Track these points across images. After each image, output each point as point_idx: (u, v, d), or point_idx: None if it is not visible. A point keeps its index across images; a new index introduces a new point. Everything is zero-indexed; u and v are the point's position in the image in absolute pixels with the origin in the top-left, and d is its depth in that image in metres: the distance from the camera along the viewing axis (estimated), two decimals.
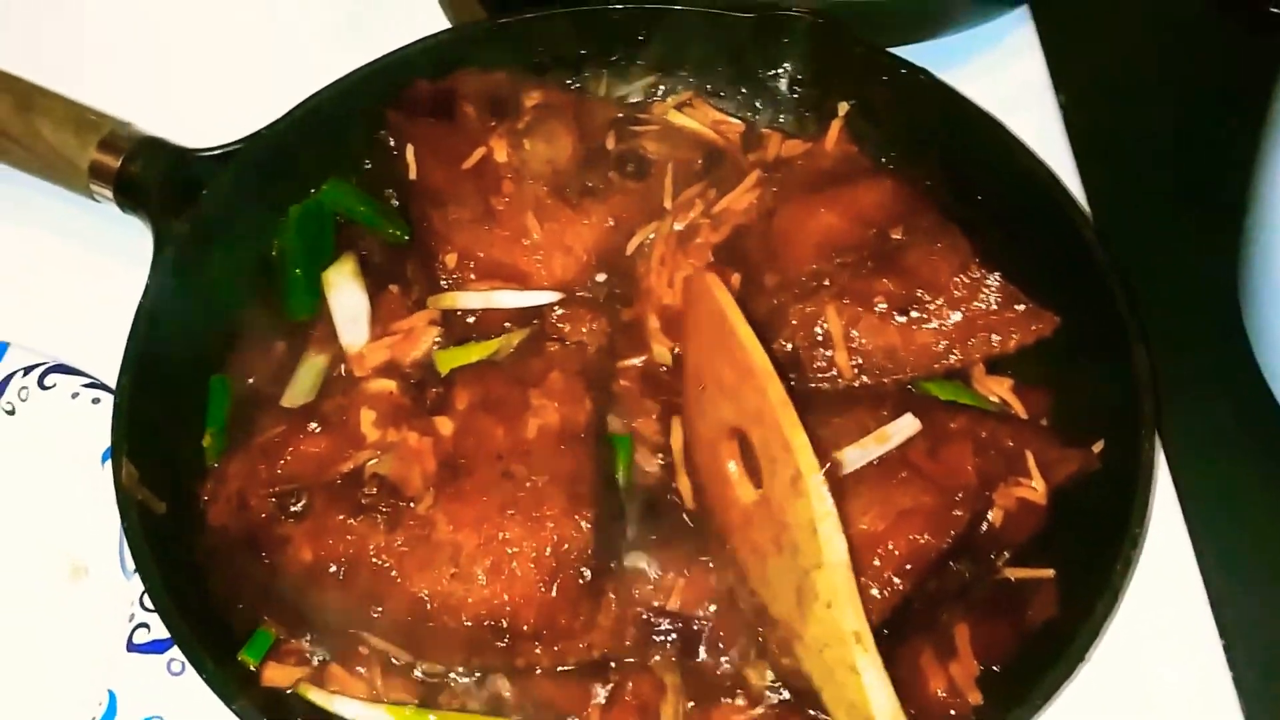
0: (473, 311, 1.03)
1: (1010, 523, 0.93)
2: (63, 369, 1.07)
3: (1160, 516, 1.02)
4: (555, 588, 0.87)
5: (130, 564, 0.98)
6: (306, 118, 1.09)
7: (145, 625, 0.97)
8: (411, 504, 0.90)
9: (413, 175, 1.08)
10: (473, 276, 1.03)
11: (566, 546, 0.88)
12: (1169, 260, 1.24)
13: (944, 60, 1.19)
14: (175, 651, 0.95)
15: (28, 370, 1.07)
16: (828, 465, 0.86)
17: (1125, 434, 0.93)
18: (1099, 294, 0.98)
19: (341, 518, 0.89)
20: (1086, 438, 0.96)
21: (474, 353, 1.00)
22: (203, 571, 0.93)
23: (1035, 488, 0.93)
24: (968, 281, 0.99)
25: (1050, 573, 0.93)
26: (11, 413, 1.06)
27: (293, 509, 0.90)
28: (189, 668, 0.89)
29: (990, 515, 0.93)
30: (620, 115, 1.13)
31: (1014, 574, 0.94)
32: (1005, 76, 1.29)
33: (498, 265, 1.04)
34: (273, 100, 1.10)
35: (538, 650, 0.89)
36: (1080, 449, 0.95)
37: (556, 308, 1.02)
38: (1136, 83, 1.39)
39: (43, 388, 1.07)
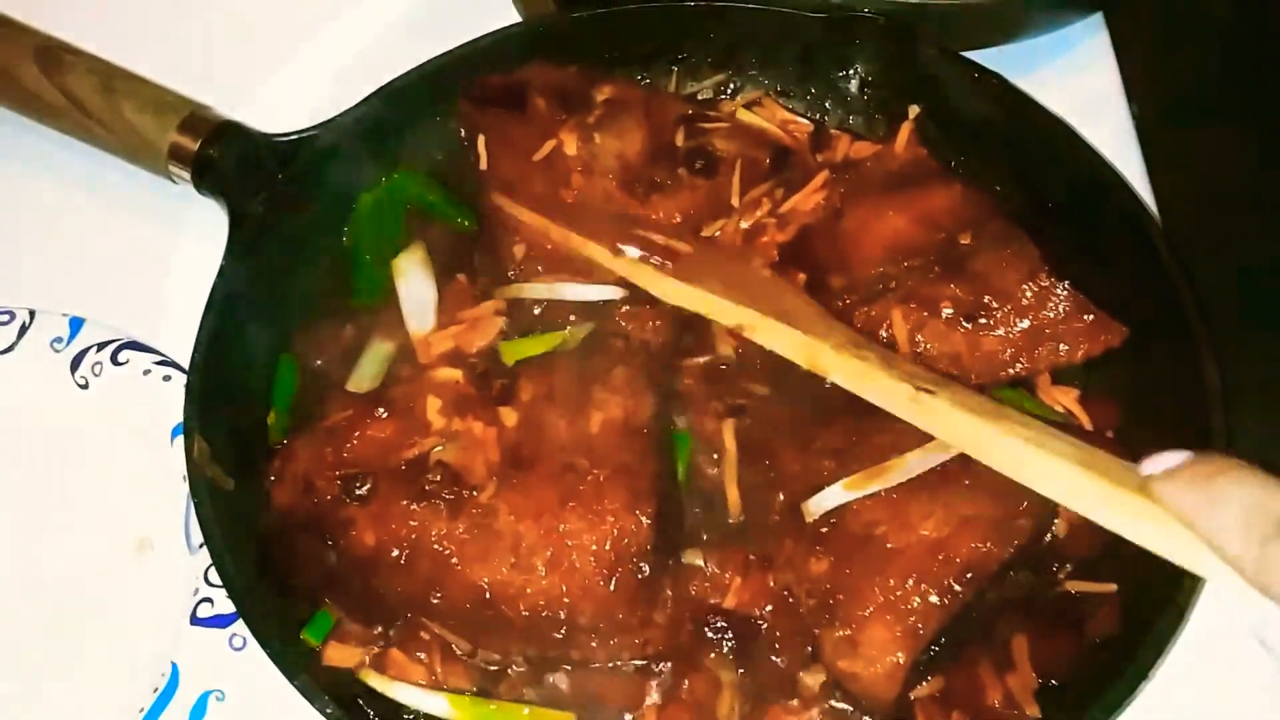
0: (539, 303, 1.03)
1: (1074, 535, 0.92)
2: (136, 346, 1.09)
3: None
4: (614, 582, 0.88)
5: (195, 539, 1.00)
6: (380, 106, 1.10)
7: (209, 600, 0.98)
8: (474, 492, 0.90)
9: (483, 166, 1.09)
10: (539, 268, 1.04)
11: (626, 541, 0.88)
12: (1240, 273, 1.22)
13: (1016, 66, 1.17)
14: (238, 626, 0.97)
15: (101, 346, 1.09)
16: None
17: (1194, 448, 0.91)
18: (1170, 305, 0.97)
19: (405, 503, 0.90)
20: (1153, 451, 0.95)
21: (539, 345, 1.00)
22: (266, 550, 0.94)
23: None
24: (1036, 289, 0.98)
25: (1113, 588, 0.92)
26: (85, 387, 1.09)
27: (357, 492, 0.91)
28: (251, 643, 0.91)
29: (1054, 527, 0.92)
30: (690, 112, 1.13)
31: (1075, 587, 0.93)
32: (1077, 84, 1.27)
33: (565, 258, 1.04)
34: (348, 88, 1.11)
35: (594, 644, 0.89)
36: None
37: (621, 304, 1.03)
38: (1209, 94, 1.37)
39: (115, 364, 1.09)
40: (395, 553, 0.90)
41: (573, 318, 1.03)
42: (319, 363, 1.05)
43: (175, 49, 1.30)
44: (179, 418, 0.99)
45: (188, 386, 0.97)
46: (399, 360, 1.03)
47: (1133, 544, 0.91)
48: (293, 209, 1.07)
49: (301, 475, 0.94)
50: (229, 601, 0.90)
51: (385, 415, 0.95)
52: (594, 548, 0.88)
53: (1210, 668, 0.97)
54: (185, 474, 0.94)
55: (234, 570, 0.89)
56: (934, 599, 0.86)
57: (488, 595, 0.88)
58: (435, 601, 0.90)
